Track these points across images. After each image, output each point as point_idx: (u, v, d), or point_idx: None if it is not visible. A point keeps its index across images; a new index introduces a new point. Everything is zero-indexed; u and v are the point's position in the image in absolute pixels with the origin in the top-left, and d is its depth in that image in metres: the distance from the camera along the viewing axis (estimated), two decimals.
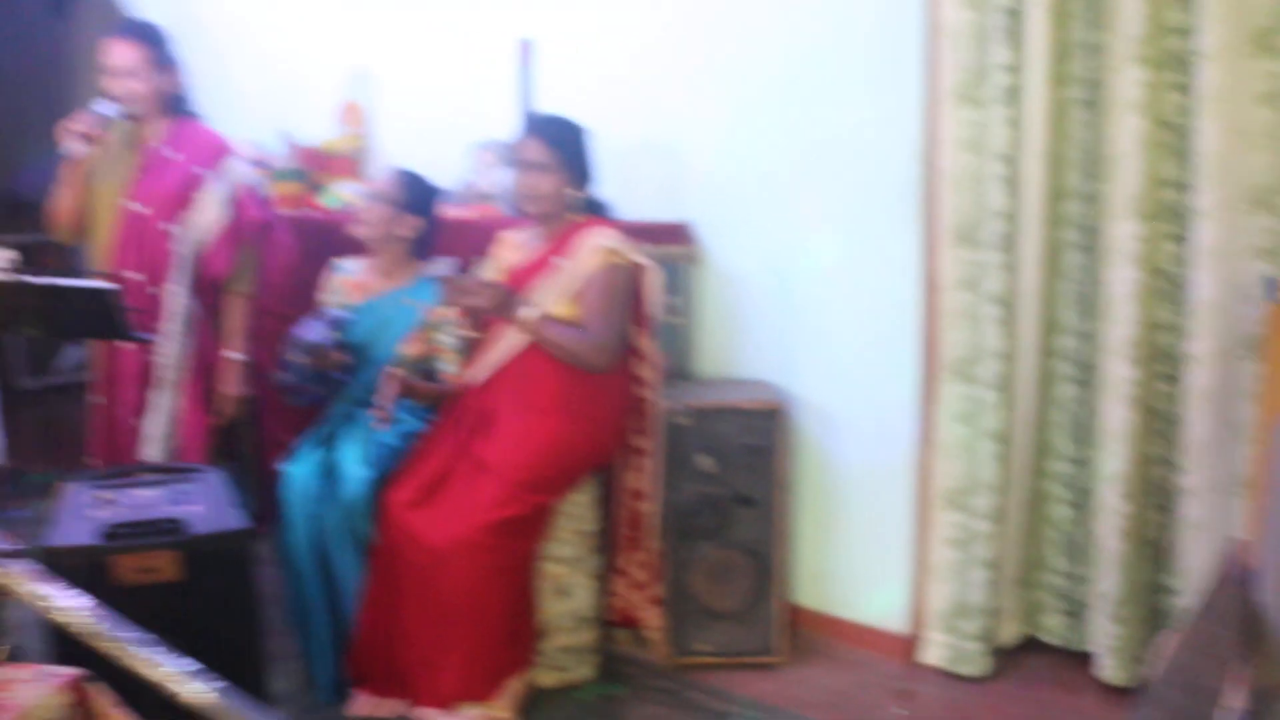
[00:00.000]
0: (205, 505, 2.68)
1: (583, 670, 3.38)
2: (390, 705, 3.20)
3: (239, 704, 0.80)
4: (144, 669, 0.83)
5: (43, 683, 1.77)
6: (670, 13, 3.73)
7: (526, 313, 3.08)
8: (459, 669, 3.10)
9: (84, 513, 2.62)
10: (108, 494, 2.72)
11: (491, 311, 3.11)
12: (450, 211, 3.85)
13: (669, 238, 3.56)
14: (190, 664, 0.84)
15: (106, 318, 2.86)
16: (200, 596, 2.58)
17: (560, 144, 3.17)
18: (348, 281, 3.61)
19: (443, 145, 4.26)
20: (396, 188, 3.49)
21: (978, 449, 3.24)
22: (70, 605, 0.86)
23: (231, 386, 3.61)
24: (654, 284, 3.24)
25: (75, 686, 1.82)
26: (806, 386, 3.53)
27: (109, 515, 2.61)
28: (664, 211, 3.72)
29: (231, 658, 2.60)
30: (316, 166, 4.54)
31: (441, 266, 3.17)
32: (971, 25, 3.07)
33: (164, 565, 2.54)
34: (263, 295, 3.71)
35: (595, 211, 3.29)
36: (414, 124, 4.54)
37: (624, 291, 3.18)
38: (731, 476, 3.36)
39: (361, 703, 3.22)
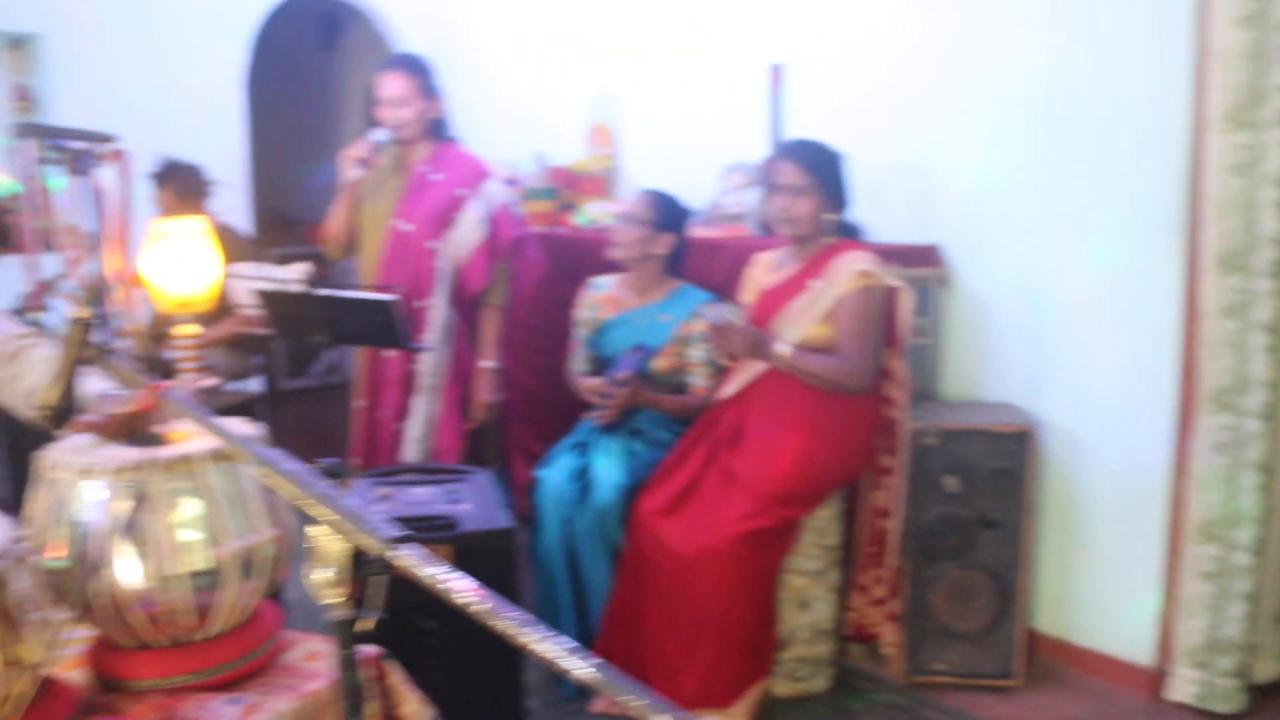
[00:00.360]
0: (475, 504, 2.86)
1: (818, 682, 3.44)
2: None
3: (618, 680, 0.91)
4: (532, 646, 0.95)
5: None
6: (923, 35, 3.74)
7: (781, 350, 3.16)
8: (701, 674, 3.20)
9: (372, 507, 2.84)
10: (387, 490, 2.93)
11: (747, 354, 3.21)
12: (699, 232, 3.97)
13: (919, 260, 3.58)
14: (569, 643, 0.96)
15: (387, 327, 3.09)
16: None
17: (816, 168, 3.23)
18: (601, 297, 3.77)
19: (690, 166, 4.40)
20: (650, 208, 3.63)
21: (1238, 480, 3.13)
22: (461, 587, 0.99)
23: (486, 394, 3.82)
24: (907, 307, 3.27)
25: (375, 662, 2.00)
26: (1055, 411, 3.48)
27: (388, 510, 2.82)
28: (913, 233, 3.73)
29: (494, 648, 2.79)
30: (566, 185, 4.75)
31: (710, 311, 3.29)
32: (1247, 45, 2.96)
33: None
34: (513, 308, 3.91)
35: (849, 234, 3.35)
36: (661, 145, 4.68)
37: (879, 314, 3.22)
38: (976, 498, 3.35)
39: (602, 701, 3.37)
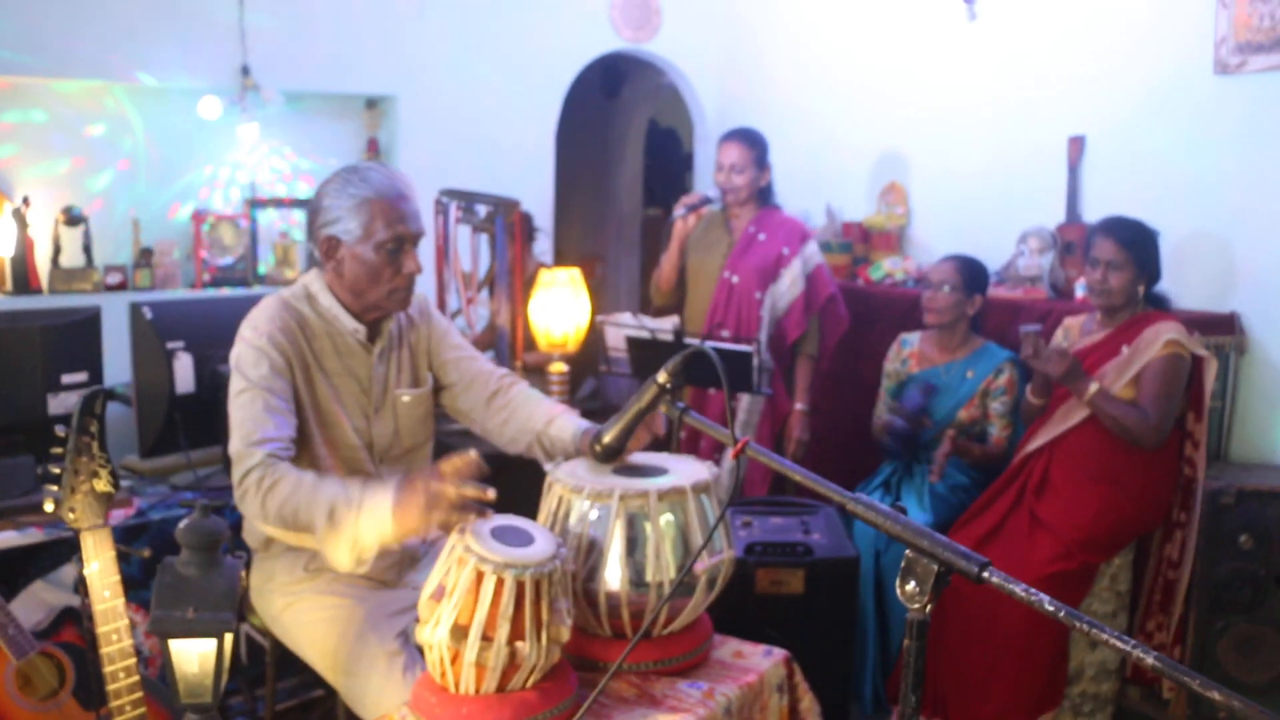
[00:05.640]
0: (824, 535, 3.25)
1: (1099, 718, 3.69)
2: None
3: (1175, 665, 1.24)
4: (1106, 639, 1.28)
5: (769, 656, 2.36)
6: (1231, 116, 3.94)
7: (1090, 386, 3.45)
8: (1000, 700, 3.50)
9: (734, 532, 3.26)
10: (748, 518, 3.34)
11: (1060, 378, 3.49)
12: (995, 292, 4.28)
13: (1218, 328, 3.80)
14: (1130, 640, 1.29)
15: (743, 374, 3.51)
16: (817, 608, 3.14)
17: (1133, 245, 3.50)
18: (909, 352, 4.13)
19: (982, 227, 4.70)
20: (960, 274, 3.96)
21: None
22: (1043, 599, 1.34)
23: (799, 432, 4.21)
24: (1210, 375, 3.52)
25: (788, 662, 2.40)
26: None
27: (749, 536, 3.23)
28: (1211, 301, 3.94)
29: (830, 660, 3.17)
30: (859, 240, 5.10)
31: (1031, 326, 3.58)
32: None
33: (792, 580, 3.13)
34: (819, 358, 4.30)
35: (1158, 304, 3.61)
36: (953, 205, 4.97)
37: (1182, 380, 3.47)
38: (1270, 556, 3.53)
39: (897, 717, 3.70)
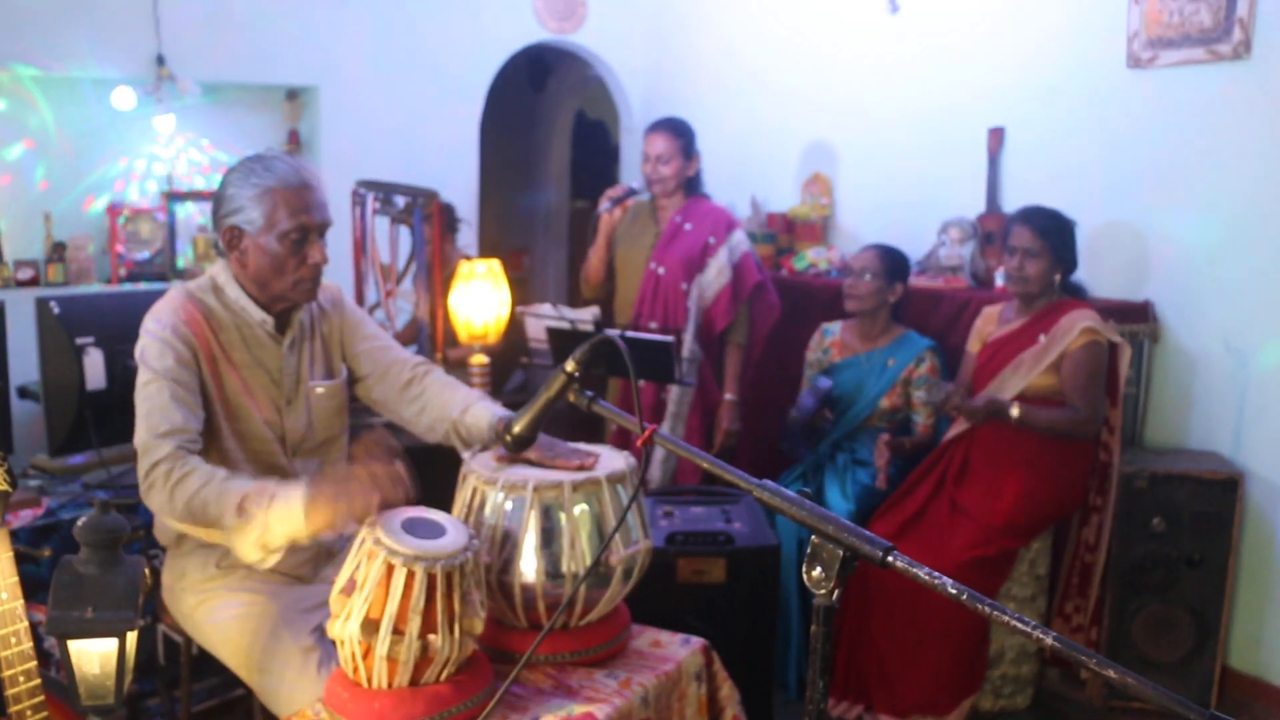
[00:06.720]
0: (745, 523, 3.25)
1: (1020, 700, 3.75)
2: (844, 708, 3.69)
3: (1075, 645, 1.24)
4: (1007, 620, 1.29)
5: (687, 645, 2.37)
6: (1144, 108, 4.01)
7: (1014, 413, 3.48)
8: (922, 685, 3.54)
9: (655, 522, 3.25)
10: (669, 508, 3.34)
11: (987, 421, 3.53)
12: (917, 281, 4.32)
13: (1132, 316, 3.87)
14: (1031, 621, 1.29)
15: (665, 365, 3.50)
16: (738, 597, 3.15)
17: (1049, 234, 3.55)
18: (831, 341, 4.16)
19: (904, 217, 4.74)
20: (881, 262, 3.99)
21: None
22: (946, 582, 1.35)
23: (728, 422, 4.22)
24: (1125, 361, 3.58)
25: (705, 650, 2.40)
26: (1258, 461, 3.71)
27: (670, 526, 3.23)
28: (1125, 290, 4.01)
29: (752, 648, 3.17)
30: (783, 231, 5.12)
31: (935, 392, 3.60)
32: None
33: (713, 569, 3.13)
34: (752, 347, 4.31)
35: (1074, 293, 3.67)
36: (876, 196, 5.02)
37: (1103, 368, 3.53)
38: (1181, 538, 3.62)
39: (839, 708, 3.73)
